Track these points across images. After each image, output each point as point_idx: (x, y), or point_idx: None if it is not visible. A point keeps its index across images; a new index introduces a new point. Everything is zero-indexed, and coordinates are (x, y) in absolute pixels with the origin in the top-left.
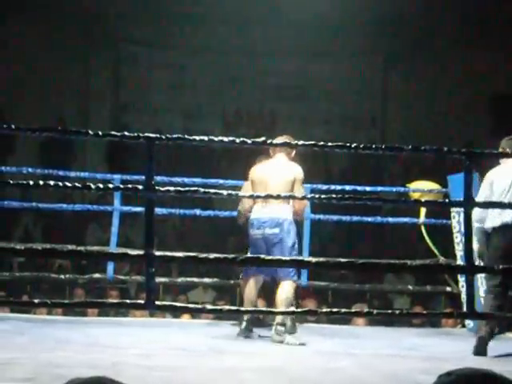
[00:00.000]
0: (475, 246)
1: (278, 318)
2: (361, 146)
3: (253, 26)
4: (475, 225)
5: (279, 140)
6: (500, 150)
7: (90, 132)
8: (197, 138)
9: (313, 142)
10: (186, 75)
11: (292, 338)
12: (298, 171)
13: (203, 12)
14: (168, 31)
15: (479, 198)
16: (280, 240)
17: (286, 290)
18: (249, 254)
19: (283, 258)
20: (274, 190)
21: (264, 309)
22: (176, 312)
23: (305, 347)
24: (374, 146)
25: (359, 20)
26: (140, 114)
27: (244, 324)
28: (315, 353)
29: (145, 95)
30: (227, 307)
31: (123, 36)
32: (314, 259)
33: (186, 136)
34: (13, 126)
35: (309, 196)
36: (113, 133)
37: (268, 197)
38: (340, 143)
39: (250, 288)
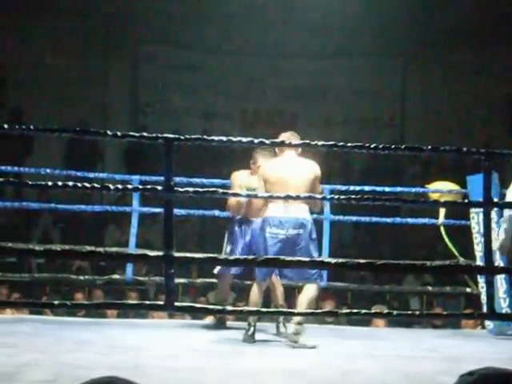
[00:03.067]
0: (501, 235)
1: (298, 319)
2: (380, 147)
3: (272, 26)
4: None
5: (284, 137)
6: None
7: (109, 133)
8: (216, 138)
9: (332, 143)
10: (205, 76)
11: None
12: (317, 168)
13: (222, 12)
14: (187, 32)
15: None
16: (305, 241)
17: (309, 293)
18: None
19: (303, 260)
20: (296, 189)
21: (285, 310)
22: (195, 313)
23: (325, 349)
24: (393, 147)
25: (378, 20)
26: (158, 114)
27: (251, 329)
28: (335, 354)
29: (163, 96)
30: (247, 308)
31: (142, 36)
32: (333, 260)
33: (205, 136)
34: (32, 127)
35: (328, 197)
36: (131, 133)
37: (288, 197)
38: (359, 144)
39: (259, 291)
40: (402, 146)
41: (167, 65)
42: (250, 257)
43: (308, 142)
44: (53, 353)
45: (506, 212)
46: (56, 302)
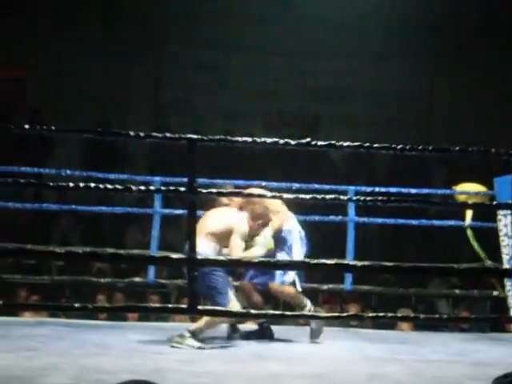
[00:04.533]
0: None
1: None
2: (406, 148)
3: (296, 26)
4: None
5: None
6: None
7: (131, 133)
8: (239, 139)
9: (358, 144)
10: (228, 76)
11: (192, 341)
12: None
13: (245, 12)
14: (210, 32)
15: None
16: None
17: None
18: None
19: (328, 262)
20: None
21: (308, 313)
22: (219, 317)
23: (350, 353)
24: (420, 148)
25: (405, 20)
26: (181, 115)
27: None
28: (360, 358)
29: (185, 96)
30: (272, 312)
31: (164, 37)
32: (358, 263)
33: (228, 137)
34: (53, 128)
35: (354, 198)
36: (154, 134)
37: None
38: (385, 145)
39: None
40: (429, 147)
41: (190, 65)
42: (273, 259)
43: (333, 142)
44: (73, 356)
45: None
46: (77, 305)
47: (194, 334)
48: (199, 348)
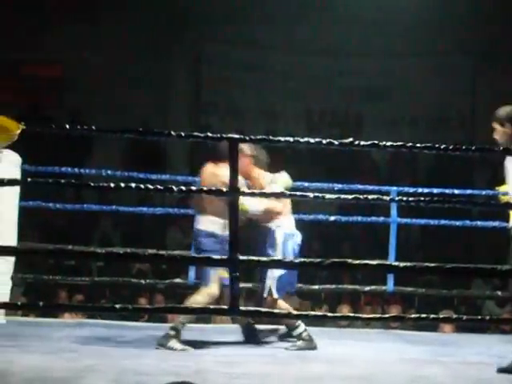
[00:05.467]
0: None
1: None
2: (450, 148)
3: (338, 25)
4: None
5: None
6: None
7: (173, 133)
8: (281, 138)
9: (400, 143)
10: (269, 75)
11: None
12: None
13: (286, 11)
14: (250, 30)
15: None
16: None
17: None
18: None
19: (370, 263)
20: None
21: (351, 314)
22: (260, 318)
23: (391, 354)
24: (463, 148)
25: (446, 18)
26: (221, 114)
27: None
28: (402, 360)
29: (226, 96)
30: (313, 313)
31: (205, 35)
32: (401, 264)
33: (270, 137)
34: (93, 128)
35: (396, 199)
36: (195, 134)
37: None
38: (428, 144)
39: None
40: (472, 147)
41: (230, 64)
42: (316, 260)
43: (376, 142)
44: (113, 358)
45: None
46: (118, 306)
47: (177, 330)
48: (182, 350)
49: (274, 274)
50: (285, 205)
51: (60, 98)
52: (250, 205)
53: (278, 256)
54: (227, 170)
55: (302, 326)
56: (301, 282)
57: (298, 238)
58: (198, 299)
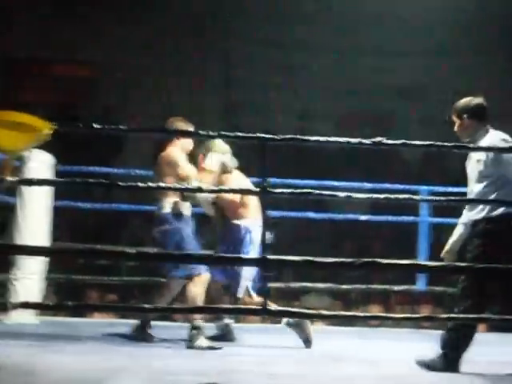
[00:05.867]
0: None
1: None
2: (482, 147)
3: (370, 24)
4: None
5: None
6: None
7: (203, 132)
8: (311, 138)
9: (431, 143)
10: (299, 75)
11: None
12: None
13: (318, 10)
14: (281, 30)
15: None
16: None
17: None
18: None
19: (401, 263)
20: None
21: (382, 314)
22: (291, 317)
23: (422, 354)
24: (495, 147)
25: (483, 17)
26: (252, 114)
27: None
28: None
29: (257, 95)
30: (344, 313)
31: (236, 35)
32: (432, 263)
33: (301, 136)
34: (125, 127)
35: (427, 198)
36: (225, 133)
37: None
38: (459, 144)
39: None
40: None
41: (261, 64)
42: (348, 260)
43: (406, 141)
44: (144, 358)
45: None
46: (147, 306)
47: (198, 327)
48: (210, 347)
49: (248, 274)
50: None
51: (91, 97)
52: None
53: (251, 254)
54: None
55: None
56: (334, 282)
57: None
58: (197, 290)
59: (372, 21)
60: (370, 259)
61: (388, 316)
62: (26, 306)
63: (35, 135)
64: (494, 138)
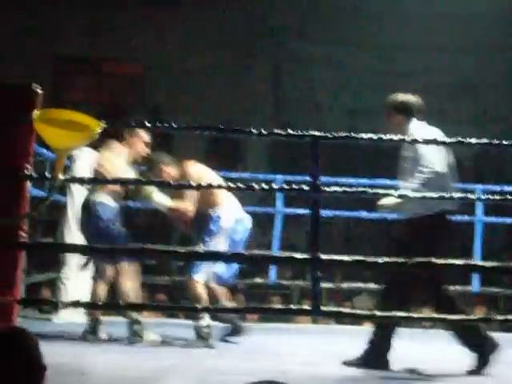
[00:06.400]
0: None
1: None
2: None
3: (418, 20)
4: None
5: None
6: None
7: (254, 131)
8: (364, 136)
9: (487, 141)
10: (350, 72)
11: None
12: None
13: (367, 7)
14: (331, 27)
15: None
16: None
17: None
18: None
19: (455, 263)
20: None
21: (437, 315)
22: (342, 318)
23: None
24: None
25: None
26: (302, 112)
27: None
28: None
29: (307, 93)
30: (398, 314)
31: (284, 32)
32: (487, 263)
33: (353, 134)
34: (174, 125)
35: (482, 197)
36: (277, 131)
37: None
38: None
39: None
40: None
41: (311, 61)
42: (401, 259)
43: (460, 139)
44: (194, 357)
45: None
46: (199, 306)
47: (138, 321)
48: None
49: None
50: (218, 193)
51: (141, 96)
52: (158, 196)
53: (218, 244)
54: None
55: (206, 320)
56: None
57: (247, 222)
58: (199, 291)
59: (420, 18)
60: (423, 259)
61: (442, 317)
62: (75, 304)
63: (86, 134)
64: (416, 132)
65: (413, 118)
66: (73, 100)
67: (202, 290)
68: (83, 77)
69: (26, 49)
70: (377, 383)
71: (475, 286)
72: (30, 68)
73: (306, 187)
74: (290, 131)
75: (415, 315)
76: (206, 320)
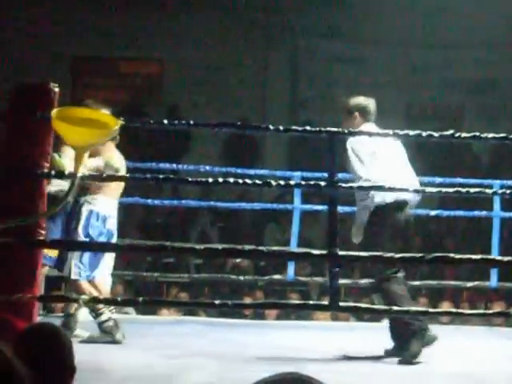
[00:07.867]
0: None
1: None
2: None
3: (437, 15)
4: None
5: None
6: None
7: (271, 127)
8: (380, 131)
9: (504, 135)
10: (367, 68)
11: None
12: None
13: (383, 2)
14: (347, 23)
15: None
16: None
17: None
18: None
19: (473, 257)
20: None
21: (454, 310)
22: (361, 314)
23: (496, 351)
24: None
25: None
26: (319, 109)
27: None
28: (507, 358)
29: (324, 90)
30: (414, 309)
31: (301, 29)
32: (505, 258)
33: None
34: (192, 122)
35: (499, 192)
36: (294, 127)
37: None
38: None
39: None
40: None
41: (327, 57)
42: (418, 255)
43: (477, 134)
44: (214, 354)
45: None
46: (217, 302)
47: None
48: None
49: (75, 254)
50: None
51: (159, 95)
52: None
53: (78, 232)
54: None
55: (106, 314)
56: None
57: (111, 222)
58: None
59: (440, 13)
60: (440, 254)
61: (460, 312)
62: (95, 301)
63: (104, 131)
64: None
65: (367, 121)
66: (91, 99)
67: (88, 288)
68: (100, 76)
69: (44, 50)
70: (396, 379)
71: (493, 281)
72: (48, 69)
73: (322, 183)
74: (306, 127)
75: (431, 310)
76: (106, 314)
